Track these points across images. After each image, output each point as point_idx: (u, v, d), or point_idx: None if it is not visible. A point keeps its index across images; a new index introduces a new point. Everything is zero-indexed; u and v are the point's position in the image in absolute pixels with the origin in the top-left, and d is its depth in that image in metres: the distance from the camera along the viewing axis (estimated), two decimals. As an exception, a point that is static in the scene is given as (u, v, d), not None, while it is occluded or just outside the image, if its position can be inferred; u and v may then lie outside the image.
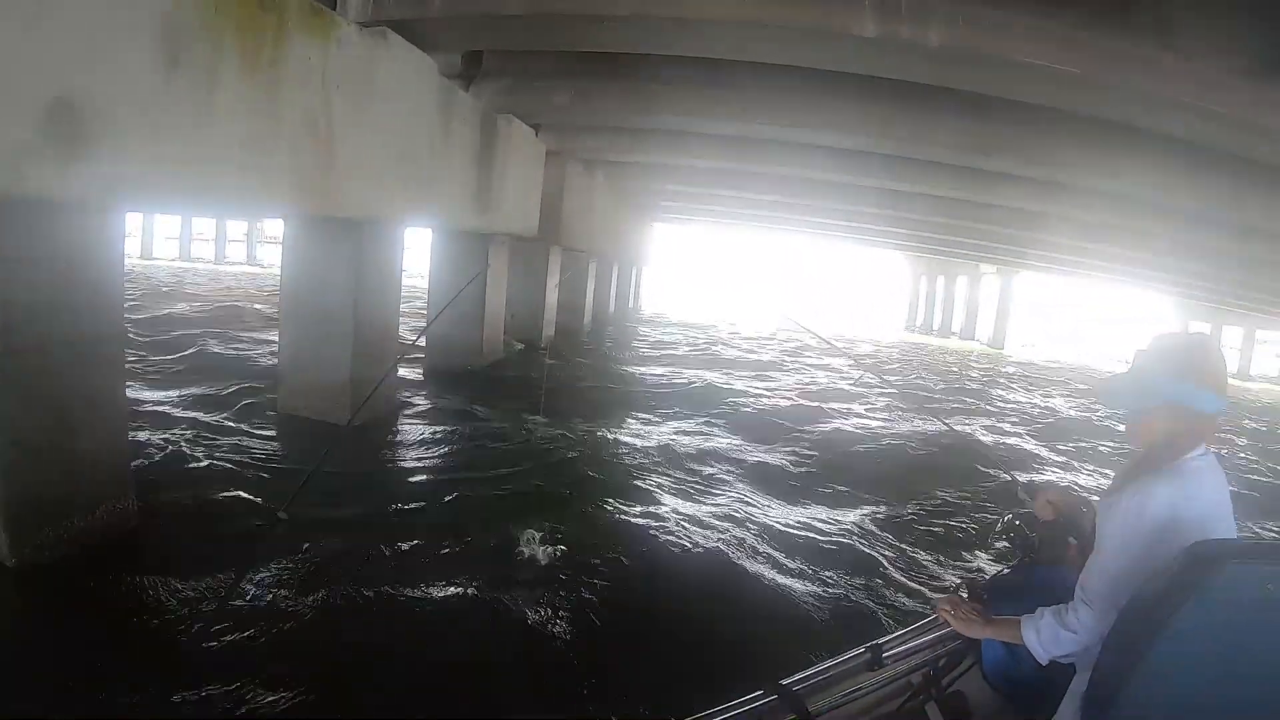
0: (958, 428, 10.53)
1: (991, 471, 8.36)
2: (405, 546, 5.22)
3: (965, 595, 2.46)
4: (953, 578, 5.77)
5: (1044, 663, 1.96)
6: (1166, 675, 1.55)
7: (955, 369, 22.55)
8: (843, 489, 7.75)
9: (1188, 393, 1.79)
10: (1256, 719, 1.60)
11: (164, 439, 6.60)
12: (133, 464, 5.16)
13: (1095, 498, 2.20)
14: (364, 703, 3.58)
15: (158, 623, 3.99)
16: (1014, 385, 19.62)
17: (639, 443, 8.62)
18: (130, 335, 10.44)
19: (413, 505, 6.06)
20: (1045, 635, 1.93)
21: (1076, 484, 9.05)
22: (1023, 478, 2.89)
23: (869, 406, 12.80)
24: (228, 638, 3.90)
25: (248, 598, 4.30)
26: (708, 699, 1.99)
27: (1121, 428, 2.10)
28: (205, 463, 6.26)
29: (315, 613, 4.26)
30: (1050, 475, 9.54)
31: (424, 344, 11.24)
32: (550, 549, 5.33)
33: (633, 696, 3.74)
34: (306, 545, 4.87)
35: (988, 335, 34.43)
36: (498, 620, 4.40)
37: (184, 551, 4.62)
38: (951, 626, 2.28)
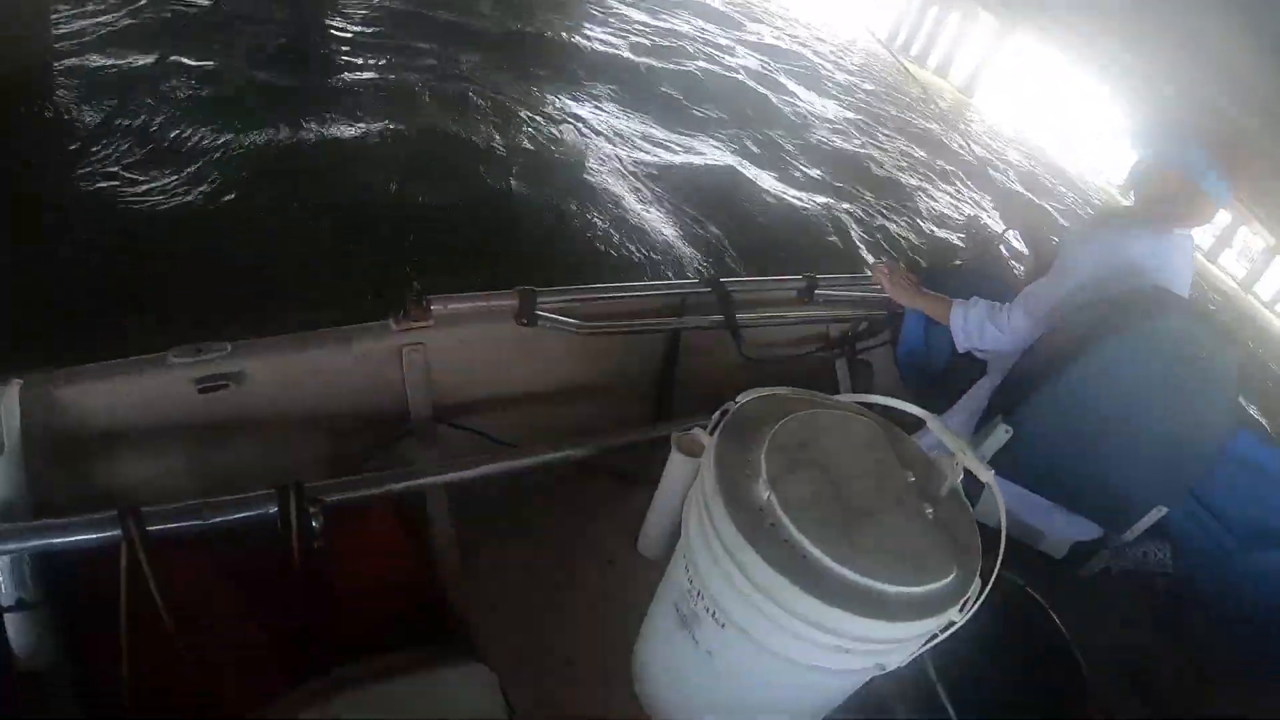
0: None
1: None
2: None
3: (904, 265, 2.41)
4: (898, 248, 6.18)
5: (961, 349, 1.99)
6: (1080, 393, 1.63)
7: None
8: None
9: (1210, 175, 1.74)
10: (1139, 460, 1.74)
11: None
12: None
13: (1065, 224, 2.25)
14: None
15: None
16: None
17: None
18: None
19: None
20: (972, 322, 1.94)
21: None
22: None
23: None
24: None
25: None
26: (645, 277, 2.15)
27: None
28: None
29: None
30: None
31: None
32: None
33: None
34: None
35: (961, 80, 33.06)
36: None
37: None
38: (883, 289, 2.27)
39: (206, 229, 3.69)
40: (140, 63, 4.62)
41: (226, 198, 3.93)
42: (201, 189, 3.90)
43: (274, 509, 1.31)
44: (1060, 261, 1.84)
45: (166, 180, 3.87)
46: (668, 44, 10.06)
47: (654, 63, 9.14)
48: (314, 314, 3.21)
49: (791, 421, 1.26)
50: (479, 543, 1.81)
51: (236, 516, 1.29)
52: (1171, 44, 9.58)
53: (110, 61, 4.61)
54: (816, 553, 1.06)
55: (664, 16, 11.82)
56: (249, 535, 1.31)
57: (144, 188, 3.77)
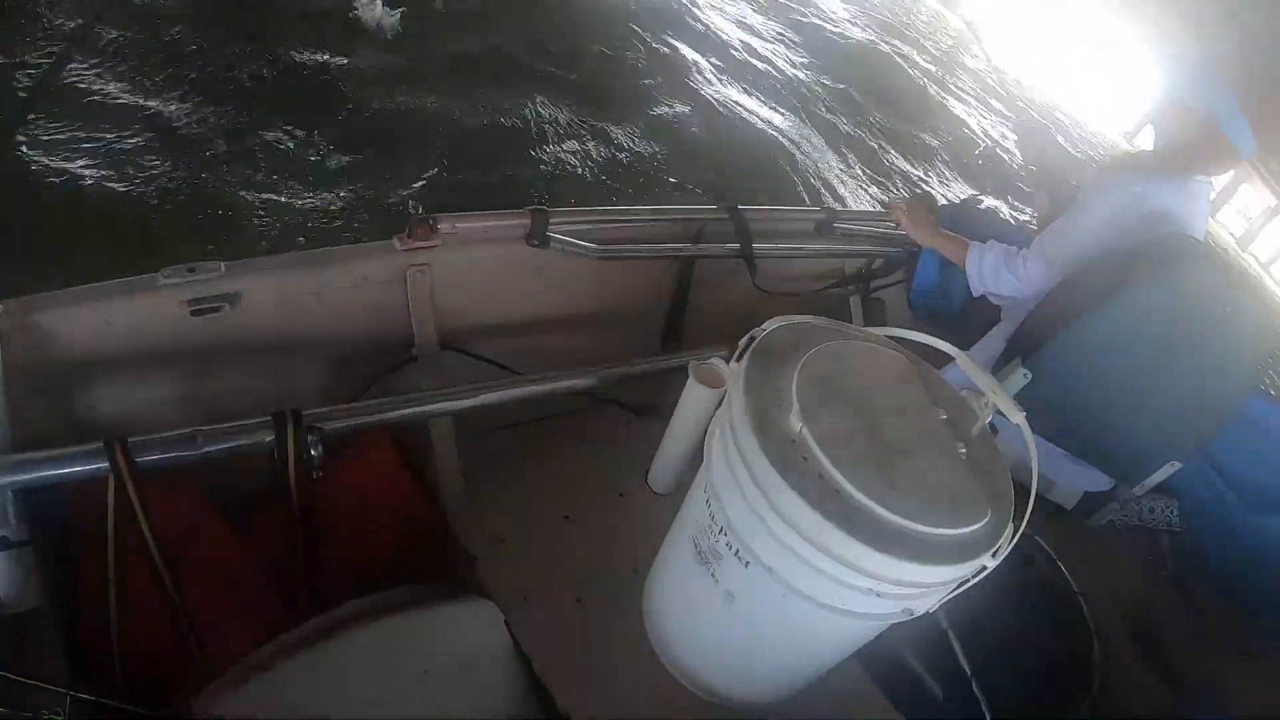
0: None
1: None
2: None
3: (923, 204, 2.34)
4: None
5: (975, 293, 1.97)
6: (1100, 340, 1.60)
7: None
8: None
9: (1237, 124, 1.69)
10: (1156, 413, 1.71)
11: None
12: None
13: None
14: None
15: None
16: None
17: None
18: None
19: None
20: (988, 266, 1.91)
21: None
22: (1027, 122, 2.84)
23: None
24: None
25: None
26: (666, 200, 2.07)
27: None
28: None
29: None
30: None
31: None
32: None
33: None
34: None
35: (970, 14, 32.12)
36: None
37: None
38: (900, 226, 2.22)
39: (194, 151, 3.53)
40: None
41: (218, 120, 3.75)
42: (186, 107, 3.71)
43: (270, 438, 1.23)
44: (1079, 207, 1.79)
45: (150, 101, 3.69)
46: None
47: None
48: (315, 233, 3.10)
49: (821, 352, 1.18)
50: (484, 474, 1.75)
51: (230, 445, 1.21)
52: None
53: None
54: (853, 490, 0.99)
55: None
56: (244, 465, 1.23)
57: (124, 102, 3.59)
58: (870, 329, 1.36)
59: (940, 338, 2.34)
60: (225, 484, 1.44)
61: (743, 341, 1.22)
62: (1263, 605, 2.05)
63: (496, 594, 1.42)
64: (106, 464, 1.10)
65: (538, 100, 4.65)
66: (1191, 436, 1.82)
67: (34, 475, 1.09)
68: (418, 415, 1.47)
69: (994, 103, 9.45)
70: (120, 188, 3.21)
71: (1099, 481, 1.97)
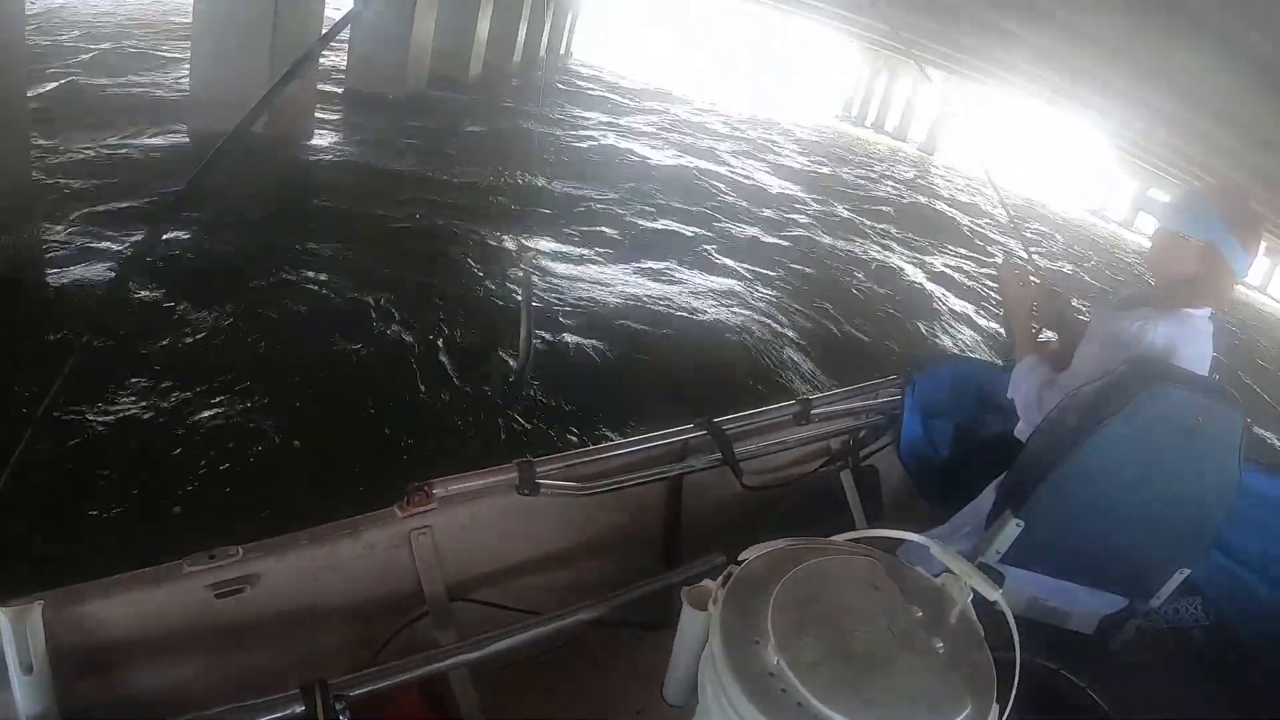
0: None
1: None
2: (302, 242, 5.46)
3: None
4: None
5: (1009, 395, 2.03)
6: (1085, 478, 1.65)
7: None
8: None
9: (1225, 240, 1.76)
10: (1153, 530, 1.74)
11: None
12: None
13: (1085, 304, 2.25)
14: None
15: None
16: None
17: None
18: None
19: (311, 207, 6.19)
20: (1032, 381, 1.97)
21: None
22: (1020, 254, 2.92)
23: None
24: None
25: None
26: (645, 429, 2.21)
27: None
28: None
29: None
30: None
31: (346, 63, 10.94)
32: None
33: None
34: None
35: (920, 139, 34.21)
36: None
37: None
38: (1003, 285, 2.22)
39: (197, 434, 3.81)
40: (120, 244, 4.88)
41: (214, 398, 4.06)
42: (184, 394, 4.02)
43: (301, 708, 1.31)
44: (1090, 344, 1.88)
45: (148, 386, 4.00)
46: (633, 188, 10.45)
47: (616, 200, 9.52)
48: (321, 508, 3.30)
49: (794, 577, 1.27)
50: (504, 712, 1.80)
51: None
52: (1144, 73, 9.96)
53: (94, 260, 4.85)
54: (832, 714, 1.06)
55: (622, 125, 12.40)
56: None
57: (127, 394, 3.90)
58: (839, 537, 1.45)
59: (936, 487, 2.38)
60: None
61: (719, 581, 1.32)
62: None
63: None
64: None
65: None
66: (1196, 542, 1.83)
67: None
68: (437, 670, 1.55)
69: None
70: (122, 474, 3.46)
71: (1114, 601, 1.96)
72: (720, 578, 1.31)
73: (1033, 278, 2.25)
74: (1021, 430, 2.02)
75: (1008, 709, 1.14)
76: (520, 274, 5.17)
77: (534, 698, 1.89)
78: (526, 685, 1.90)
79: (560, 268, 6.52)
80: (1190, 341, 1.80)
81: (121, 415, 3.72)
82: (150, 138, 7.22)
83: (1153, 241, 1.94)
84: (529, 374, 3.78)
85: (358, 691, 1.40)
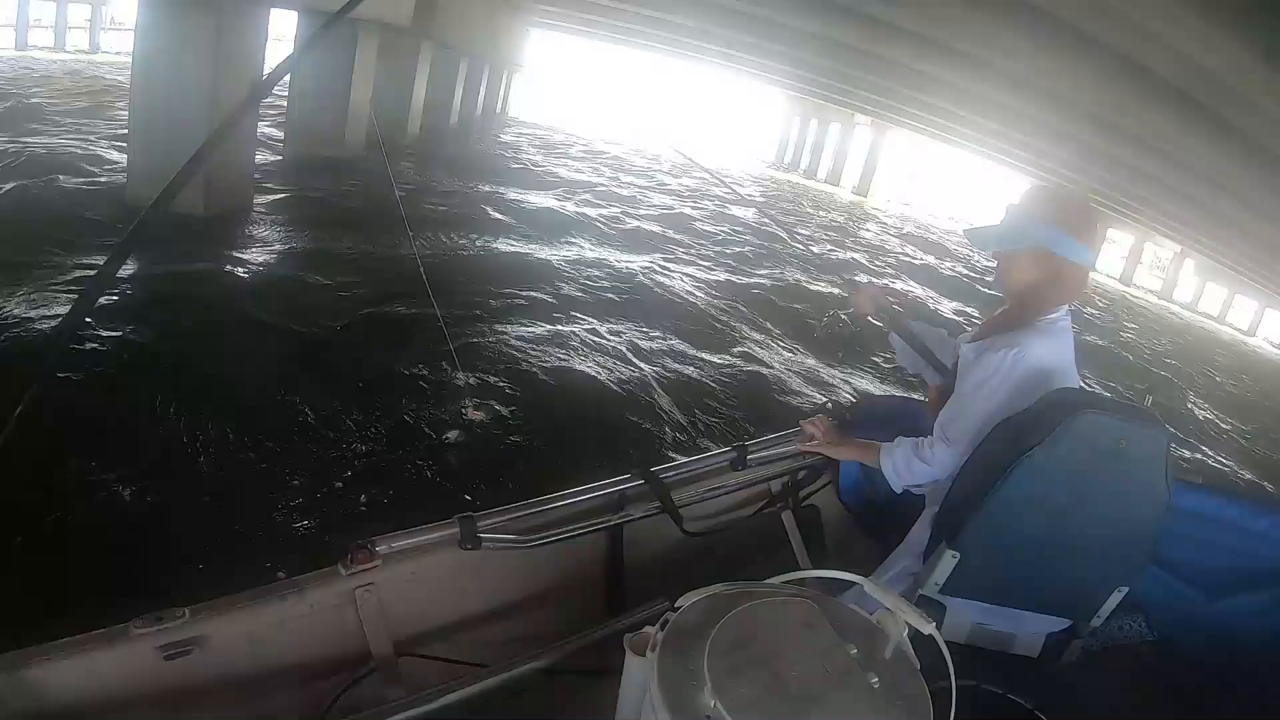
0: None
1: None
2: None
3: (831, 416, 2.40)
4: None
5: (898, 490, 2.00)
6: (1014, 508, 1.68)
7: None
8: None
9: (1056, 239, 1.78)
10: (1088, 553, 1.78)
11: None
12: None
13: (947, 333, 2.30)
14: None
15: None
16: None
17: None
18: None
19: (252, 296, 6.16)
20: (900, 464, 1.95)
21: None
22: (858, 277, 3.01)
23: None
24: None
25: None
26: (581, 480, 2.23)
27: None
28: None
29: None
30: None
31: (284, 132, 11.22)
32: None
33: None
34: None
35: (853, 183, 35.33)
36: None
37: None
38: (817, 447, 2.24)
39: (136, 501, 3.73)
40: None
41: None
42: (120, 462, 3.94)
43: None
44: (963, 383, 1.89)
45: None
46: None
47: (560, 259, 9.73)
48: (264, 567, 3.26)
49: (730, 620, 1.30)
50: None
51: None
52: (1046, 105, 10.64)
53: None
54: None
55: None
56: None
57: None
58: (777, 579, 1.49)
59: (877, 524, 2.40)
60: None
61: (656, 626, 1.35)
62: (1261, 685, 2.05)
63: None
64: None
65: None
66: (1130, 559, 1.87)
67: None
68: None
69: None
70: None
71: (1057, 622, 1.97)
72: (658, 624, 1.33)
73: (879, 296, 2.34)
74: (902, 487, 2.02)
75: None
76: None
77: None
78: None
79: (484, 328, 6.64)
80: (1057, 348, 1.84)
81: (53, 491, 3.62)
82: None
83: (996, 268, 1.96)
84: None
85: None
